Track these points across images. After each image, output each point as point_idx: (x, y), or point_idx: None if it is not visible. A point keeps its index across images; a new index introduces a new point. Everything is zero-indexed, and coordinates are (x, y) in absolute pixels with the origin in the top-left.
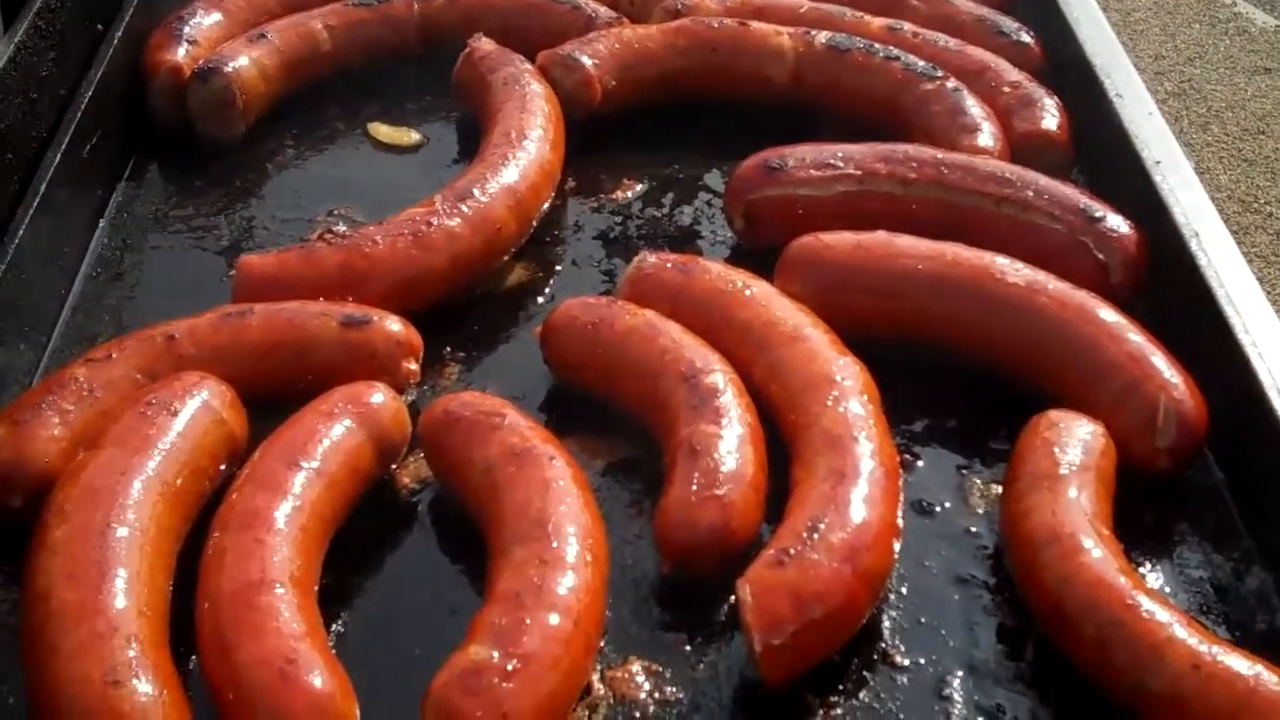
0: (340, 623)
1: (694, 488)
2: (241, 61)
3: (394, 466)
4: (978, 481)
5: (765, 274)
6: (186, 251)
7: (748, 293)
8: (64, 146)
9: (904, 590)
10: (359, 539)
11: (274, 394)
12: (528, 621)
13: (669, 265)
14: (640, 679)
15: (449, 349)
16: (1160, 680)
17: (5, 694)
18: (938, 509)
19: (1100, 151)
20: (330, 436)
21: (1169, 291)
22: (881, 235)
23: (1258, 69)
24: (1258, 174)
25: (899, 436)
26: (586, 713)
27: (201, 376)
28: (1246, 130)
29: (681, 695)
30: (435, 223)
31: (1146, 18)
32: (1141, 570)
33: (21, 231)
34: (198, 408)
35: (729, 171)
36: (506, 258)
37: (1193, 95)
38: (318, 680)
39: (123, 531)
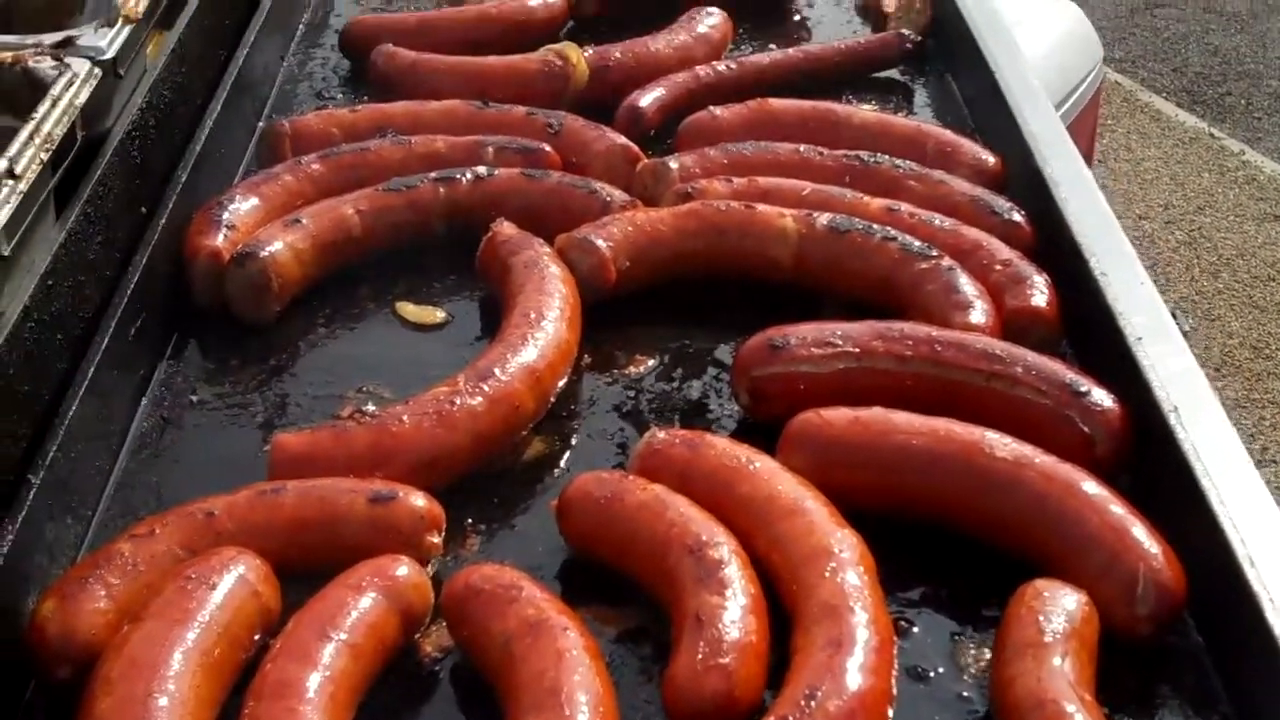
0: None
1: (700, 656)
2: (277, 246)
3: (417, 635)
4: (970, 647)
5: (771, 445)
6: (223, 428)
7: (751, 467)
8: (111, 330)
9: None
10: (383, 705)
11: (307, 566)
12: None
13: (677, 441)
14: None
15: (470, 520)
16: None
17: None
18: (932, 674)
19: (1087, 326)
20: (358, 609)
21: (1152, 463)
22: (877, 412)
23: (1267, 216)
24: (1269, 320)
25: (895, 604)
26: None
27: (238, 552)
28: (1257, 277)
29: None
30: (458, 402)
31: (1156, 167)
32: None
33: (71, 413)
34: (234, 582)
35: (736, 347)
36: (525, 433)
37: (1203, 243)
38: None
39: (163, 701)
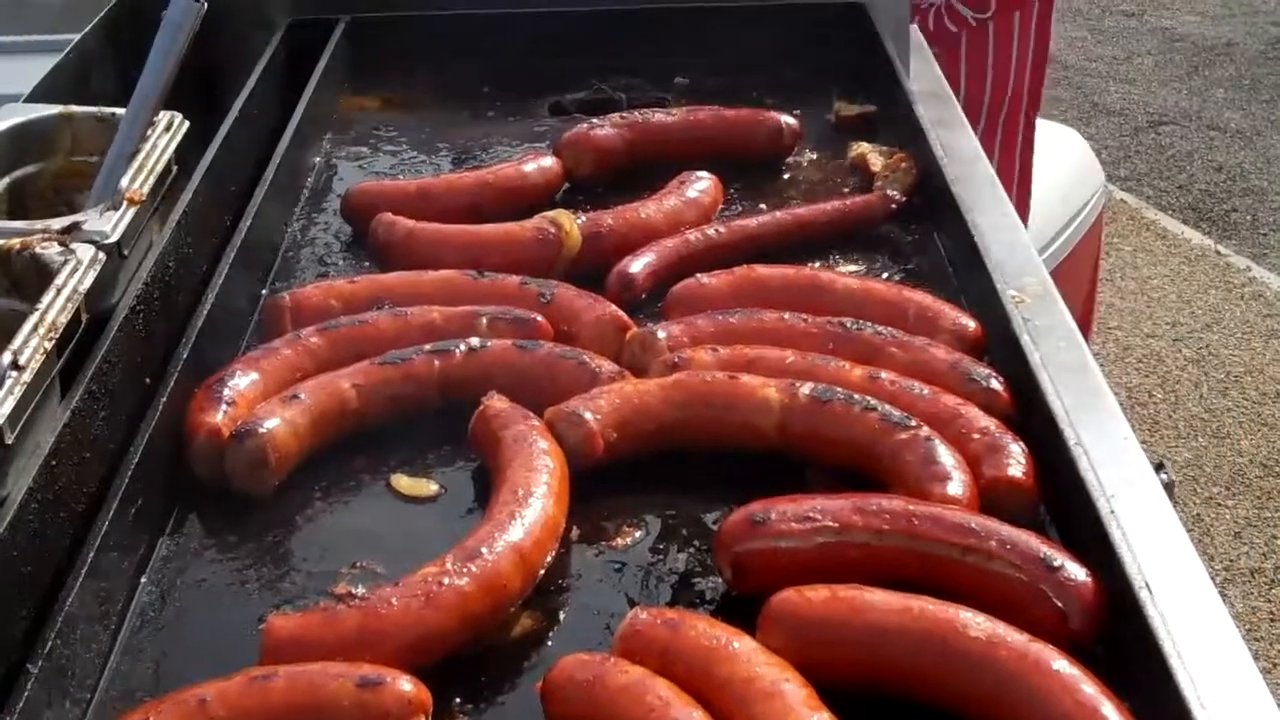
0: None
1: None
2: (275, 422)
3: None
4: None
5: (753, 621)
6: (221, 604)
7: (730, 648)
8: (114, 510)
9: None
10: None
11: None
12: None
13: (659, 622)
14: None
15: (458, 700)
16: None
17: None
18: None
19: (1063, 497)
20: None
21: (1124, 638)
22: (854, 591)
23: (1274, 333)
24: (1279, 438)
25: None
26: None
27: None
28: (1265, 394)
29: None
30: (446, 583)
31: (1163, 284)
32: None
33: (71, 598)
34: None
35: (722, 517)
36: (513, 609)
37: (1211, 361)
38: None
39: None
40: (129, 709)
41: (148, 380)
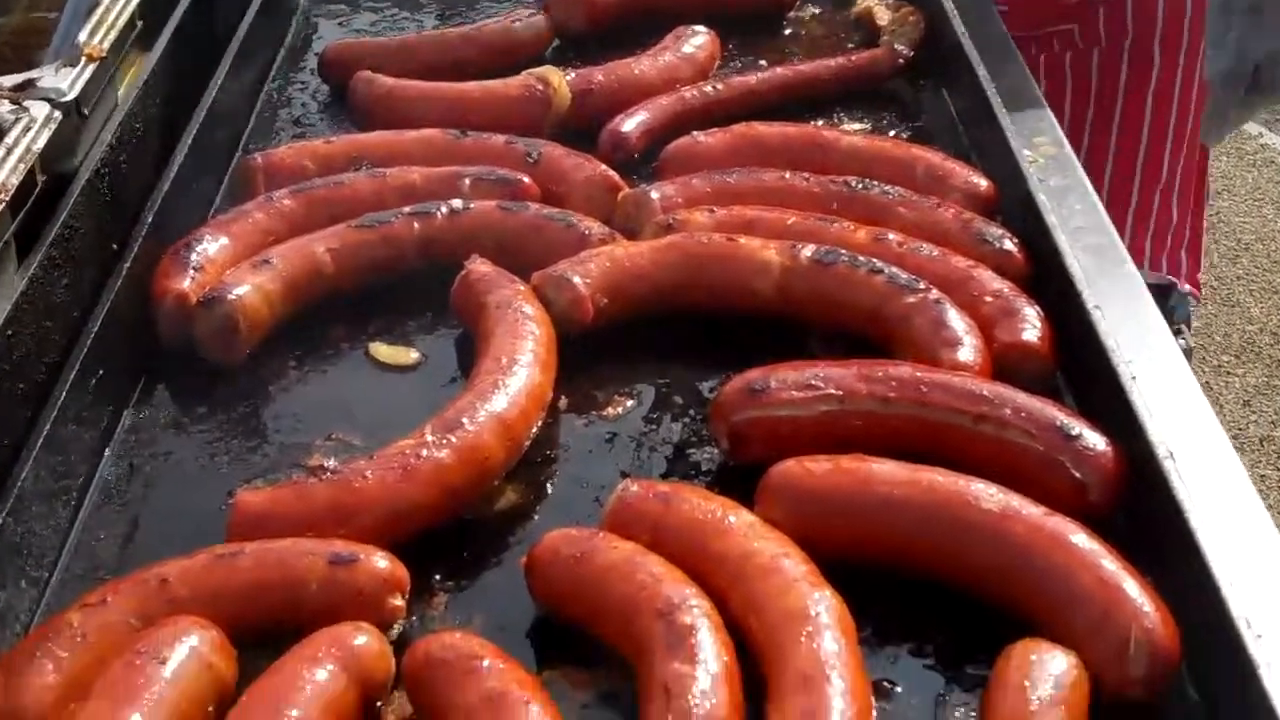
0: None
1: None
2: (245, 289)
3: (379, 704)
4: (957, 710)
5: (751, 494)
6: (188, 481)
7: (727, 522)
8: (70, 381)
9: None
10: None
11: (267, 632)
12: None
13: (650, 495)
14: None
15: (438, 577)
16: None
17: None
18: None
19: (1081, 363)
20: (313, 684)
21: (1146, 511)
22: (859, 462)
23: None
24: None
25: (878, 663)
26: None
27: (191, 622)
28: (1276, 261)
29: None
30: (424, 454)
31: None
32: None
33: (25, 474)
34: (186, 655)
35: (718, 386)
36: (496, 482)
37: (1221, 228)
38: None
39: None
40: (91, 589)
41: (113, 246)
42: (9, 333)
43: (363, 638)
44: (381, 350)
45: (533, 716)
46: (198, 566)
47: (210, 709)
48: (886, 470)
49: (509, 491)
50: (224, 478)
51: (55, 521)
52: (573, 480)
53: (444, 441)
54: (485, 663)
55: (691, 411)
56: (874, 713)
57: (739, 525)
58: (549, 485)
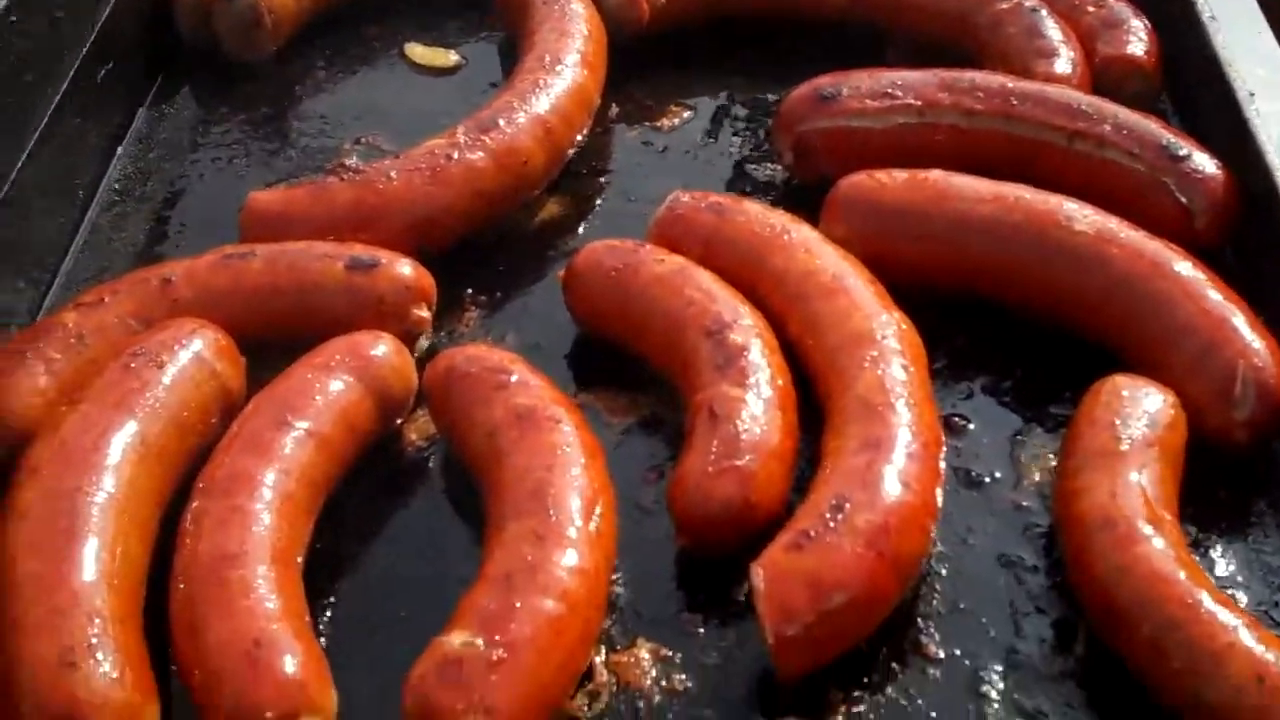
0: (331, 594)
1: (711, 456)
2: None
3: (400, 421)
4: (1034, 450)
5: (816, 215)
6: (206, 183)
7: (786, 237)
8: (71, 74)
9: (942, 571)
10: (359, 499)
11: (277, 343)
12: (518, 605)
13: (703, 206)
14: (647, 664)
15: (470, 291)
16: (1219, 692)
17: None
18: (987, 480)
19: (1191, 80)
20: (325, 393)
21: (1259, 241)
22: (938, 174)
23: None
24: None
25: (949, 398)
26: (587, 701)
27: (195, 325)
28: None
29: (690, 684)
30: (455, 156)
31: None
32: (1212, 554)
33: (20, 165)
34: (188, 360)
35: (781, 98)
36: (537, 192)
37: None
38: (289, 665)
39: (96, 496)
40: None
41: None
42: (12, 19)
43: (381, 347)
44: (418, 51)
45: (565, 437)
46: (204, 267)
47: (214, 419)
48: (968, 185)
49: (550, 204)
50: (243, 182)
51: (60, 221)
52: (620, 194)
53: (477, 142)
54: (514, 377)
55: (753, 124)
56: (943, 449)
57: (800, 240)
58: (595, 200)
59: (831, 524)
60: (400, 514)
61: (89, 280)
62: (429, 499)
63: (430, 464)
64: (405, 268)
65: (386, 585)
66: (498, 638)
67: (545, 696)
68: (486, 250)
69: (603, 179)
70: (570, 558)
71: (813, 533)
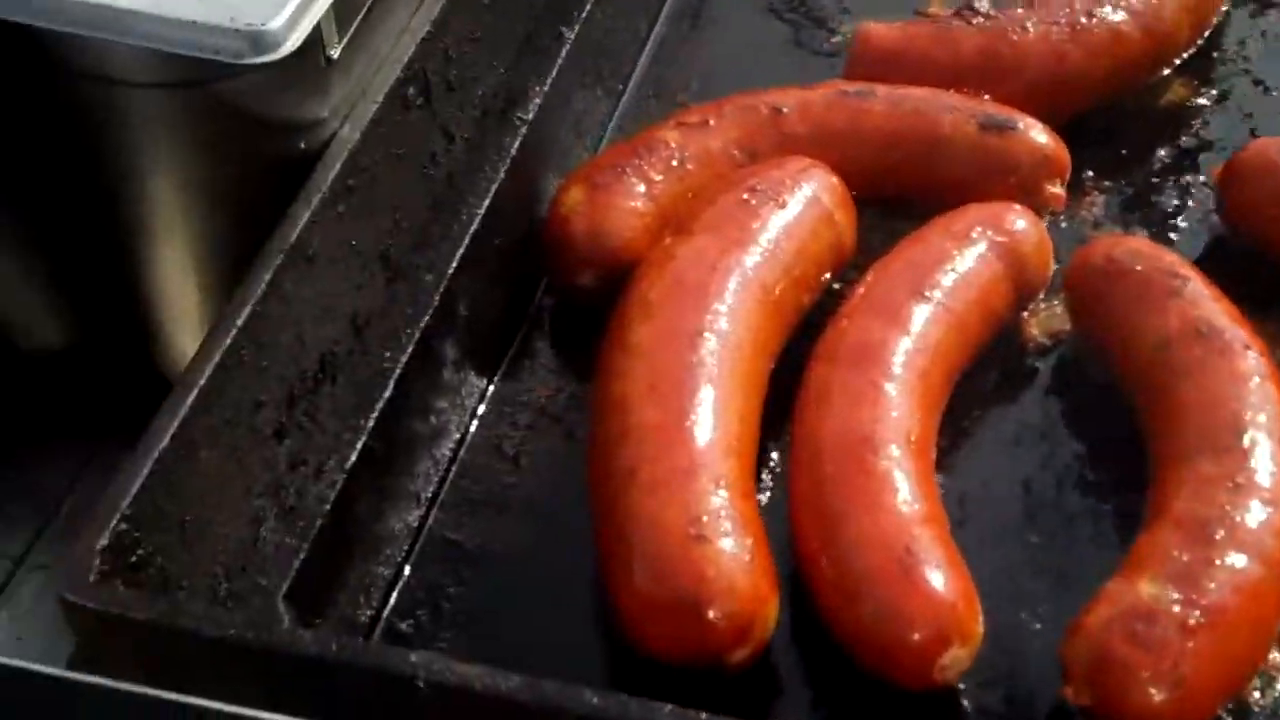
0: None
1: None
2: None
3: (1025, 313)
4: None
5: None
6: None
7: None
8: None
9: None
10: (963, 395)
11: (887, 197)
12: (1218, 563)
13: None
14: None
15: (1090, 173)
16: None
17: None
18: None
19: None
20: (963, 266)
21: None
22: None
23: None
24: None
25: None
26: (1259, 685)
27: (811, 164)
28: None
29: None
30: (1098, 16)
31: None
32: None
33: None
34: (807, 201)
35: None
36: (1167, 71)
37: None
38: (941, 582)
39: (714, 343)
40: (671, 110)
41: None
42: None
43: (1023, 222)
44: None
45: (1252, 365)
46: (818, 101)
47: (825, 274)
48: None
49: (1177, 85)
50: (818, 9)
51: (634, 29)
52: (1252, 81)
53: (1120, 4)
54: (1189, 285)
55: None
56: None
57: None
58: (1230, 83)
59: None
60: (1013, 419)
61: (659, 99)
62: (1041, 406)
63: (1044, 370)
64: (1043, 135)
65: (1007, 497)
66: (1195, 597)
67: (1237, 674)
68: (1104, 129)
69: (1232, 64)
70: (1272, 515)
71: None
